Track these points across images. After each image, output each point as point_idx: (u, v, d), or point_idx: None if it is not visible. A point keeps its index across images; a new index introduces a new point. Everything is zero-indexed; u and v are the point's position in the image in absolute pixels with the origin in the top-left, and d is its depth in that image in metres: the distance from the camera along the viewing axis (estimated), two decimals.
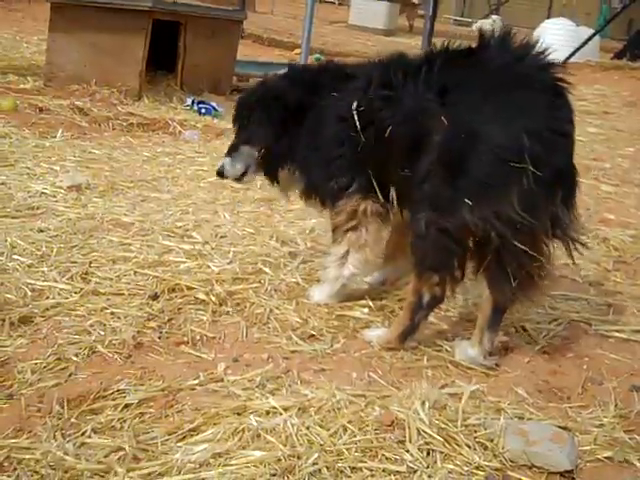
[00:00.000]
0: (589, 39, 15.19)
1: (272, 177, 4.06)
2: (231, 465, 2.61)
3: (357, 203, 3.65)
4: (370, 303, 3.95)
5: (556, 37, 15.34)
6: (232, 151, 4.06)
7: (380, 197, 3.58)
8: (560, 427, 2.93)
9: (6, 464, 2.57)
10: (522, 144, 2.99)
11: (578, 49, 14.99)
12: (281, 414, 2.89)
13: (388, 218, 3.72)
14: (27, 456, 2.60)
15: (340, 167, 3.64)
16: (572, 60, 14.92)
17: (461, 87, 3.21)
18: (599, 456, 2.82)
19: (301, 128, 3.81)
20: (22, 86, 8.61)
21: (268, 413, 2.92)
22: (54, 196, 5.26)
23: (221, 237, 4.77)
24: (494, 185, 3.07)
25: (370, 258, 3.80)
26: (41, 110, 7.68)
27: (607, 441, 2.91)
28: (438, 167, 3.17)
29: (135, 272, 4.10)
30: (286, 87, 3.87)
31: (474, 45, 3.33)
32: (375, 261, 3.91)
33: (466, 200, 3.07)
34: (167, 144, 7.29)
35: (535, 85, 3.16)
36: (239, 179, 4.12)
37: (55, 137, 6.87)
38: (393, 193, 3.52)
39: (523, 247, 3.10)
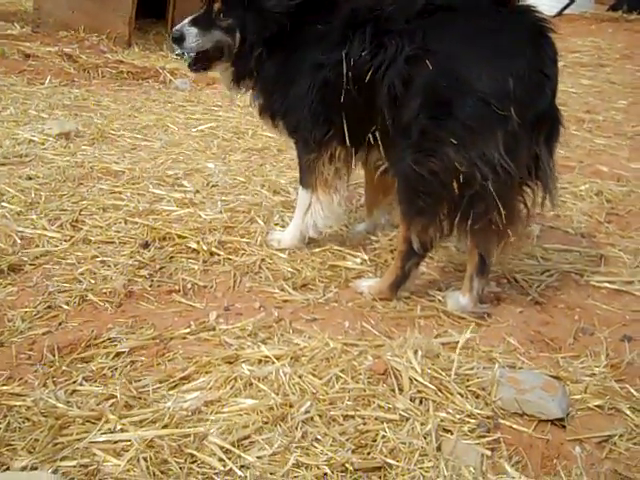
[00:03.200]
0: None
1: (237, 79, 3.78)
2: (223, 413, 2.61)
3: (333, 148, 3.64)
4: (363, 254, 3.93)
5: None
6: (204, 26, 3.66)
7: (348, 143, 3.56)
8: (551, 376, 2.93)
9: None
10: (507, 87, 3.00)
11: (573, 1, 14.80)
12: (273, 363, 2.89)
13: (351, 164, 3.78)
14: (18, 403, 2.61)
15: (320, 112, 3.56)
16: (567, 12, 14.75)
17: (445, 31, 3.20)
18: (590, 405, 2.83)
19: (287, 50, 3.62)
20: (9, 32, 8.49)
21: (260, 362, 2.92)
22: (43, 143, 5.20)
23: (212, 186, 4.73)
24: (480, 128, 3.06)
25: (336, 202, 3.80)
26: (29, 57, 7.59)
27: (598, 390, 2.91)
28: (424, 110, 3.15)
29: (126, 221, 4.07)
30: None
31: None
32: (340, 205, 3.86)
33: (452, 140, 3.06)
34: (157, 92, 7.20)
35: (519, 27, 3.18)
36: (199, 64, 3.79)
37: (43, 84, 6.78)
38: (376, 139, 3.43)
39: (499, 193, 3.09)
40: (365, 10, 3.42)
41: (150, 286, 3.49)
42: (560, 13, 14.70)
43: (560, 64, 9.64)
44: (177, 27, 3.67)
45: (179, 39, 3.65)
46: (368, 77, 3.30)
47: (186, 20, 3.67)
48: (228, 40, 3.65)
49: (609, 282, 3.88)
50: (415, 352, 2.97)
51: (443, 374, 2.86)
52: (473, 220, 3.17)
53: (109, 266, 3.60)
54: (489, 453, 2.52)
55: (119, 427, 2.50)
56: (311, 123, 3.59)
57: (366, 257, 3.90)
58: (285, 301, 3.45)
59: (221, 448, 2.43)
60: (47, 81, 6.85)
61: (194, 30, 3.64)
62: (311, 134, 3.61)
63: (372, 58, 3.30)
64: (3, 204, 4.09)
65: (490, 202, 3.10)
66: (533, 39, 3.13)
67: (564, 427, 2.71)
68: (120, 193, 4.46)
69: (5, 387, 2.70)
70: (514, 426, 2.68)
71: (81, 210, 4.13)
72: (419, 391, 2.77)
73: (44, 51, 7.80)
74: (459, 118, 3.07)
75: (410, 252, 3.42)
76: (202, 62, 3.78)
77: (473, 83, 3.05)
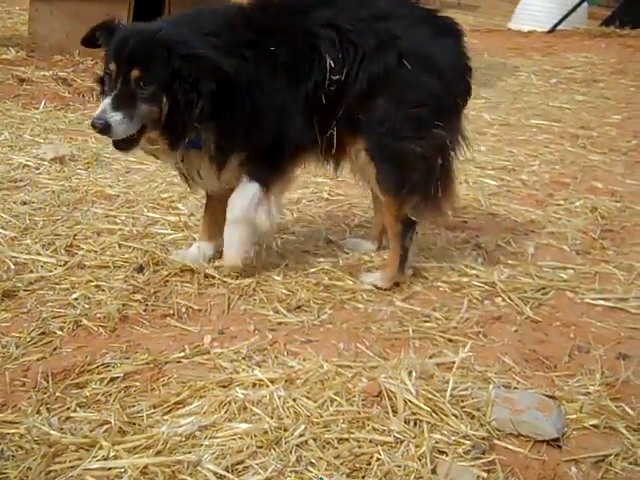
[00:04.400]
0: (577, 6, 15.05)
1: (174, 142, 3.42)
2: (217, 437, 2.60)
3: (298, 155, 3.77)
4: (357, 274, 3.94)
5: (544, 4, 15.23)
6: (127, 105, 3.22)
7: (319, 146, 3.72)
8: (547, 396, 2.92)
9: None
10: (463, 77, 3.77)
11: (566, 16, 14.85)
12: (267, 386, 2.88)
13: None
14: (11, 431, 2.59)
15: (307, 119, 3.60)
16: (560, 27, 14.82)
17: (406, 34, 3.63)
18: (585, 424, 2.82)
19: (246, 86, 3.46)
20: (4, 57, 8.49)
21: (254, 385, 2.91)
22: (37, 168, 5.21)
23: None
24: (455, 110, 3.76)
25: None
26: (24, 81, 7.58)
27: (593, 409, 2.90)
28: (406, 102, 3.60)
29: (120, 245, 4.07)
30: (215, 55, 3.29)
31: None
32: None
33: (438, 122, 3.61)
34: None
35: (452, 33, 3.79)
36: (127, 145, 3.37)
37: (38, 108, 6.79)
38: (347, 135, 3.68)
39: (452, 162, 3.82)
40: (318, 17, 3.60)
41: (145, 310, 3.49)
42: (554, 29, 14.79)
43: (553, 80, 9.70)
44: (97, 115, 3.20)
45: (105, 130, 3.20)
46: (342, 77, 3.54)
47: (104, 103, 3.23)
48: (154, 109, 3.28)
49: (604, 299, 3.89)
50: (409, 373, 2.96)
51: (438, 395, 2.85)
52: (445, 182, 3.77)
53: (103, 291, 3.59)
54: (485, 475, 2.50)
55: (113, 454, 2.49)
56: (300, 133, 3.61)
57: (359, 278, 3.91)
58: (279, 323, 3.45)
59: (215, 474, 2.41)
60: (42, 105, 6.85)
61: (119, 115, 3.19)
62: (301, 140, 3.64)
63: (344, 59, 3.54)
64: None
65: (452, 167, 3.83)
66: (461, 42, 3.80)
67: (560, 447, 2.69)
68: (115, 217, 4.46)
69: None
70: (510, 447, 2.67)
71: (75, 235, 4.14)
72: (413, 413, 2.76)
73: (39, 75, 7.80)
74: (441, 105, 3.63)
75: (405, 230, 3.79)
76: (128, 140, 3.33)
77: (445, 77, 3.64)
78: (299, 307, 3.59)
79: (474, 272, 4.06)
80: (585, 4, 15.71)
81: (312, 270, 3.94)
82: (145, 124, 3.32)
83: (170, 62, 3.23)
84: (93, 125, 3.21)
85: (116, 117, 3.19)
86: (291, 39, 3.56)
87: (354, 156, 3.74)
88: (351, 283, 3.85)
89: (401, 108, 3.58)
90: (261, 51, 3.49)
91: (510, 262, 4.26)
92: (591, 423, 2.82)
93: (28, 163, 5.26)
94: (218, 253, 3.99)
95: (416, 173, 3.64)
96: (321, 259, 4.07)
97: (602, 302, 3.86)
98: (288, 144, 3.63)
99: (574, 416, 2.86)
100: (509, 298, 3.81)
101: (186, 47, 3.25)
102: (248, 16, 3.63)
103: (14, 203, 4.51)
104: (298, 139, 3.63)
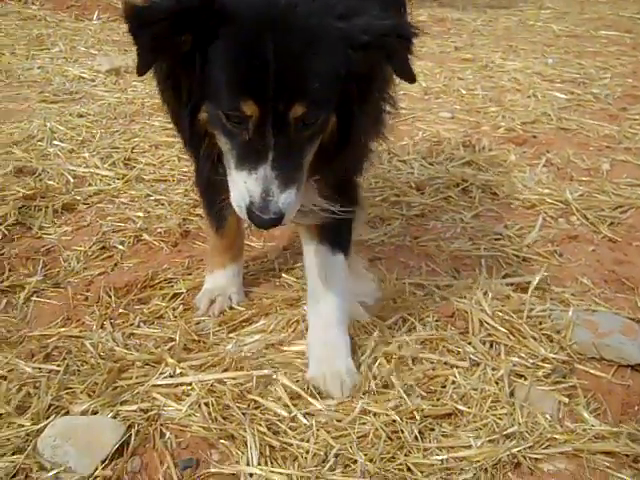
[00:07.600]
0: None
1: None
2: (286, 357, 2.50)
3: None
4: (424, 190, 3.78)
5: None
6: (288, 168, 2.07)
7: None
8: (630, 319, 2.76)
9: (55, 353, 2.50)
10: None
11: None
12: None
13: None
14: (76, 346, 2.53)
15: None
16: None
17: None
18: None
19: None
20: None
21: None
22: (93, 80, 5.12)
23: None
24: None
25: None
26: None
27: None
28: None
29: (179, 158, 3.95)
30: None
31: None
32: None
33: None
34: None
35: None
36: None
37: (91, 19, 6.66)
38: None
39: None
40: None
41: None
42: None
43: None
44: (260, 205, 2.02)
45: (277, 221, 2.05)
46: None
47: (262, 180, 2.03)
48: (318, 142, 2.16)
49: None
50: (484, 293, 2.83)
51: (514, 317, 2.72)
52: None
53: (163, 205, 3.51)
54: (566, 400, 2.38)
55: (179, 371, 2.41)
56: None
57: (427, 192, 3.75)
58: None
59: (287, 391, 2.32)
60: (95, 16, 6.73)
61: (289, 193, 2.04)
62: None
63: None
64: (55, 142, 4.01)
65: None
66: None
67: None
68: (172, 129, 4.33)
69: (63, 329, 2.63)
70: (592, 371, 2.52)
71: (133, 148, 4.04)
72: (489, 334, 2.63)
73: None
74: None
75: None
76: None
77: None
78: (366, 223, 3.44)
79: (546, 190, 3.86)
80: None
81: (377, 186, 3.78)
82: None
83: (346, 58, 2.04)
84: (259, 225, 2.11)
85: (287, 199, 2.05)
86: None
87: None
88: (419, 199, 3.69)
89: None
90: None
91: (584, 179, 4.05)
92: None
93: (83, 75, 5.17)
94: None
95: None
96: (388, 175, 3.91)
97: None
98: None
99: None
100: (584, 217, 3.62)
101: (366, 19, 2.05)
102: None
103: (70, 115, 4.42)
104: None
